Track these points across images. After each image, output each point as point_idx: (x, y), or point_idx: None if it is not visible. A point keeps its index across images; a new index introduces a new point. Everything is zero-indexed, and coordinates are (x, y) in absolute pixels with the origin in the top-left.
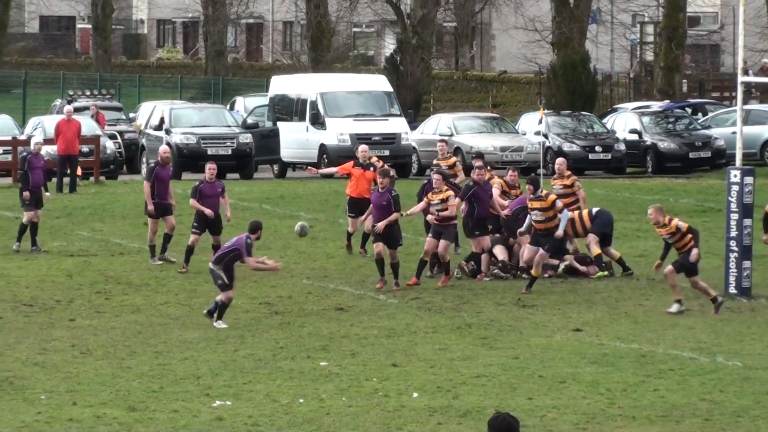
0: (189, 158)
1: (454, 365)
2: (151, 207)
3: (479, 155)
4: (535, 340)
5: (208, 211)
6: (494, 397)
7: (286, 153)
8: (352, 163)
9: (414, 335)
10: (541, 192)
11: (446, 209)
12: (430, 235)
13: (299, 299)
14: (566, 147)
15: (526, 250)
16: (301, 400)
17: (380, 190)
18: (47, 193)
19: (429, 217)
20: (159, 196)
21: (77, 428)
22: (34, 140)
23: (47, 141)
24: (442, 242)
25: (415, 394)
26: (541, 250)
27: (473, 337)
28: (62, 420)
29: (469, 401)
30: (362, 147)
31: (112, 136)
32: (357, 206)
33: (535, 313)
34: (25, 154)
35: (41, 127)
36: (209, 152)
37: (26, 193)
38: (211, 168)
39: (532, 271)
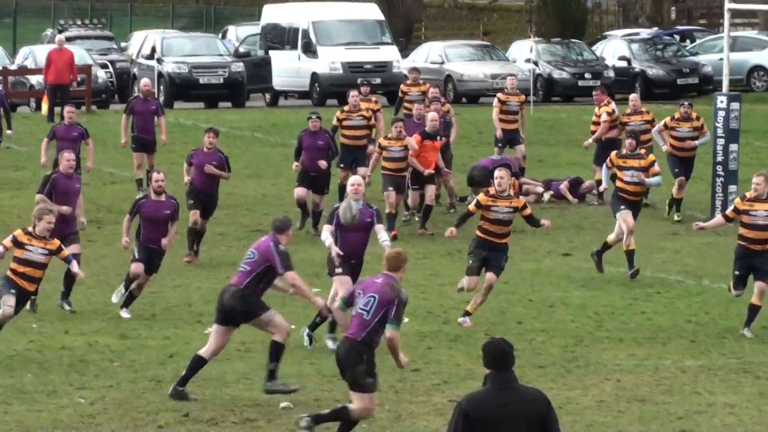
0: (181, 87)
1: (444, 291)
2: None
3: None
4: (525, 264)
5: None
6: (484, 322)
7: (278, 81)
8: (418, 134)
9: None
10: (641, 149)
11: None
12: (390, 188)
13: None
14: (556, 74)
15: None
16: (293, 326)
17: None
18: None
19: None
20: (139, 130)
21: (69, 356)
22: None
23: (37, 71)
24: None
25: (406, 320)
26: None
27: (463, 263)
28: (54, 348)
29: (457, 326)
30: (431, 114)
31: (103, 66)
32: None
33: (524, 238)
34: None
35: (32, 57)
36: (201, 81)
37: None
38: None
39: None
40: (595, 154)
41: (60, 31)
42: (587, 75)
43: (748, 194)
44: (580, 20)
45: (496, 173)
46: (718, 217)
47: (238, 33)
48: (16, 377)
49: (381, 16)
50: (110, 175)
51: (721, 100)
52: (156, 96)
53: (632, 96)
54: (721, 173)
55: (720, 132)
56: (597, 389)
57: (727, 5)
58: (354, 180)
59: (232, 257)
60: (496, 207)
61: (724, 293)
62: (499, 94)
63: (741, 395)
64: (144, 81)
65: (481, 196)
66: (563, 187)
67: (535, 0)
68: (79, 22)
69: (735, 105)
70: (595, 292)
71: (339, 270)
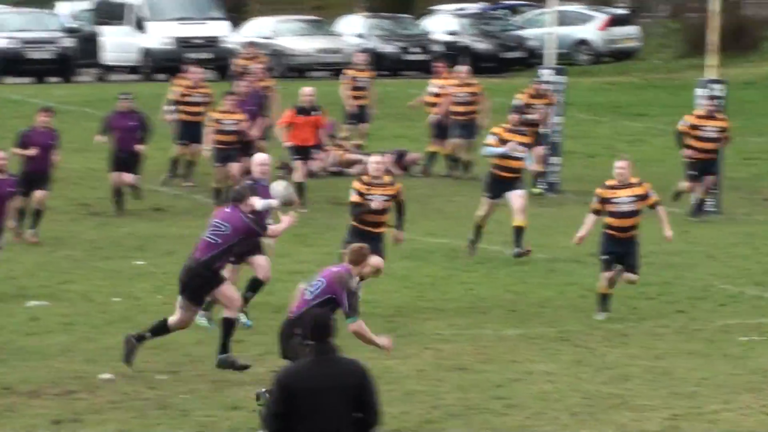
0: (10, 62)
1: (272, 265)
2: None
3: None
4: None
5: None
6: None
7: (110, 57)
8: (292, 110)
9: None
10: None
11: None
12: (219, 163)
13: None
14: (384, 48)
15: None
16: (117, 299)
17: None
18: None
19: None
20: None
21: None
22: None
23: None
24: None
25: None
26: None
27: (290, 235)
28: None
29: (285, 296)
30: (306, 90)
31: None
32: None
33: (347, 210)
34: None
35: None
36: (31, 55)
37: None
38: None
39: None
40: (437, 128)
41: None
42: (414, 49)
43: (608, 182)
44: None
45: (372, 159)
46: (589, 217)
47: (73, 8)
48: None
49: None
50: None
51: (546, 73)
52: None
53: (461, 69)
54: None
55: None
56: (417, 358)
57: None
58: (261, 160)
59: (56, 232)
60: (371, 195)
61: (544, 263)
62: (348, 70)
63: (559, 363)
64: None
65: (356, 184)
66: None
67: None
68: None
69: (560, 78)
70: (418, 263)
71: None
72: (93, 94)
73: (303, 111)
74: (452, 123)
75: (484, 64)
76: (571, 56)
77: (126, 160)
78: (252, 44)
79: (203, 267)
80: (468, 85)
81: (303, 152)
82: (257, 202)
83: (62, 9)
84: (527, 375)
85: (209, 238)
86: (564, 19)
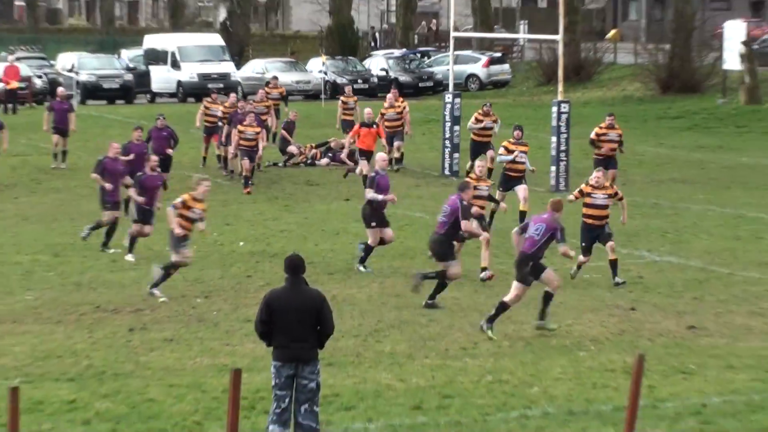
0: (91, 91)
1: (267, 223)
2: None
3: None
4: (319, 206)
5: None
6: (294, 244)
7: (156, 86)
8: (358, 125)
9: (240, 204)
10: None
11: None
12: (245, 158)
13: None
14: (338, 80)
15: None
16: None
17: (158, 126)
18: None
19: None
20: (57, 122)
21: (20, 268)
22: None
23: None
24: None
25: (241, 243)
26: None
27: (279, 205)
28: (9, 264)
29: (277, 247)
30: (367, 110)
31: (39, 76)
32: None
33: (318, 189)
34: None
35: None
36: (104, 86)
37: None
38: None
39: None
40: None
41: (11, 53)
42: (359, 80)
43: (590, 181)
44: (354, 44)
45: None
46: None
47: (129, 55)
48: None
49: (222, 43)
50: (45, 148)
51: (448, 97)
52: (73, 97)
53: (391, 93)
54: (448, 145)
55: (448, 118)
56: (368, 288)
57: (452, 34)
58: (382, 157)
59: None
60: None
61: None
62: (342, 97)
63: (462, 292)
64: (60, 89)
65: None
66: (343, 156)
67: (324, 30)
68: (23, 47)
69: (457, 100)
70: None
71: (373, 224)
72: (146, 111)
73: (366, 125)
74: (388, 134)
75: (406, 91)
76: (465, 85)
77: (161, 160)
78: (275, 78)
79: (444, 236)
80: (393, 107)
81: (366, 154)
82: (369, 194)
83: (124, 54)
84: (448, 300)
85: (442, 218)
86: (459, 60)
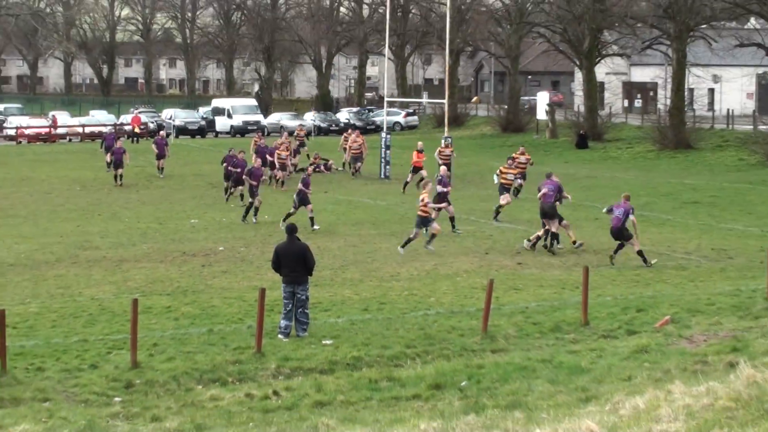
0: (181, 130)
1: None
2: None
3: (301, 126)
4: (313, 197)
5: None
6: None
7: (219, 127)
8: (415, 153)
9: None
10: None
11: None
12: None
13: None
14: (322, 125)
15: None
16: (194, 221)
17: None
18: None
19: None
20: (158, 149)
21: None
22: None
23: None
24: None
25: (254, 220)
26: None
27: (287, 196)
28: None
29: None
30: (419, 143)
31: (152, 122)
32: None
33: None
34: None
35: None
36: (189, 127)
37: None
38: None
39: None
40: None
41: (136, 109)
42: (333, 125)
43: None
44: (330, 104)
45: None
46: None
47: (203, 110)
48: None
49: (256, 103)
50: (152, 163)
51: (383, 134)
52: (169, 135)
53: (354, 133)
54: (383, 161)
55: (383, 145)
56: (338, 242)
57: (386, 100)
58: (444, 171)
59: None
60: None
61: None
62: (345, 134)
63: (395, 243)
64: (161, 132)
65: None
66: (330, 164)
67: (313, 97)
68: (143, 106)
69: (388, 136)
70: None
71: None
72: (214, 143)
73: (420, 151)
74: (352, 156)
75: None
76: (393, 128)
77: (235, 179)
78: (302, 125)
79: (551, 207)
80: (355, 141)
81: (416, 170)
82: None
83: (201, 110)
84: (383, 249)
85: (548, 191)
86: (389, 113)
